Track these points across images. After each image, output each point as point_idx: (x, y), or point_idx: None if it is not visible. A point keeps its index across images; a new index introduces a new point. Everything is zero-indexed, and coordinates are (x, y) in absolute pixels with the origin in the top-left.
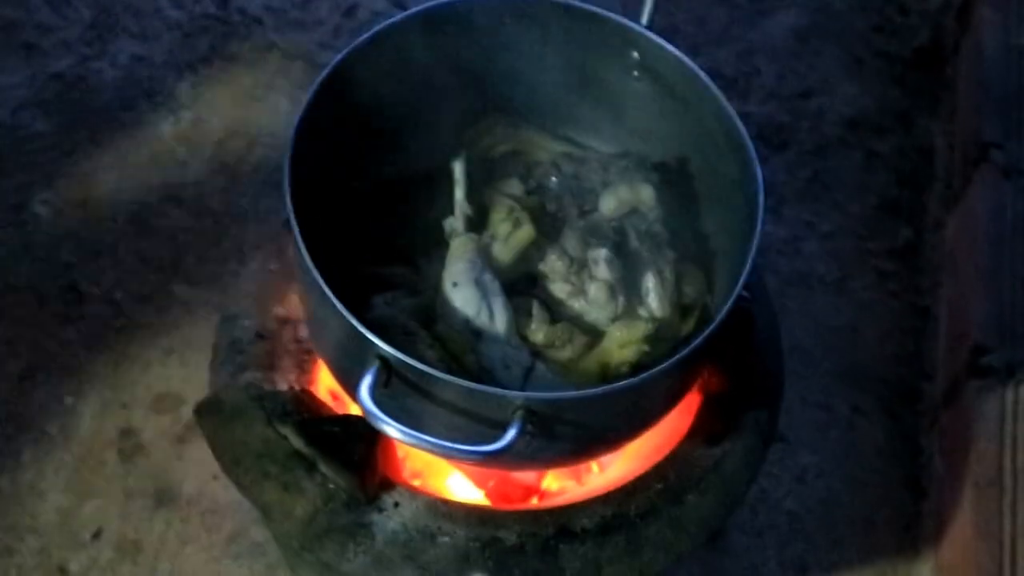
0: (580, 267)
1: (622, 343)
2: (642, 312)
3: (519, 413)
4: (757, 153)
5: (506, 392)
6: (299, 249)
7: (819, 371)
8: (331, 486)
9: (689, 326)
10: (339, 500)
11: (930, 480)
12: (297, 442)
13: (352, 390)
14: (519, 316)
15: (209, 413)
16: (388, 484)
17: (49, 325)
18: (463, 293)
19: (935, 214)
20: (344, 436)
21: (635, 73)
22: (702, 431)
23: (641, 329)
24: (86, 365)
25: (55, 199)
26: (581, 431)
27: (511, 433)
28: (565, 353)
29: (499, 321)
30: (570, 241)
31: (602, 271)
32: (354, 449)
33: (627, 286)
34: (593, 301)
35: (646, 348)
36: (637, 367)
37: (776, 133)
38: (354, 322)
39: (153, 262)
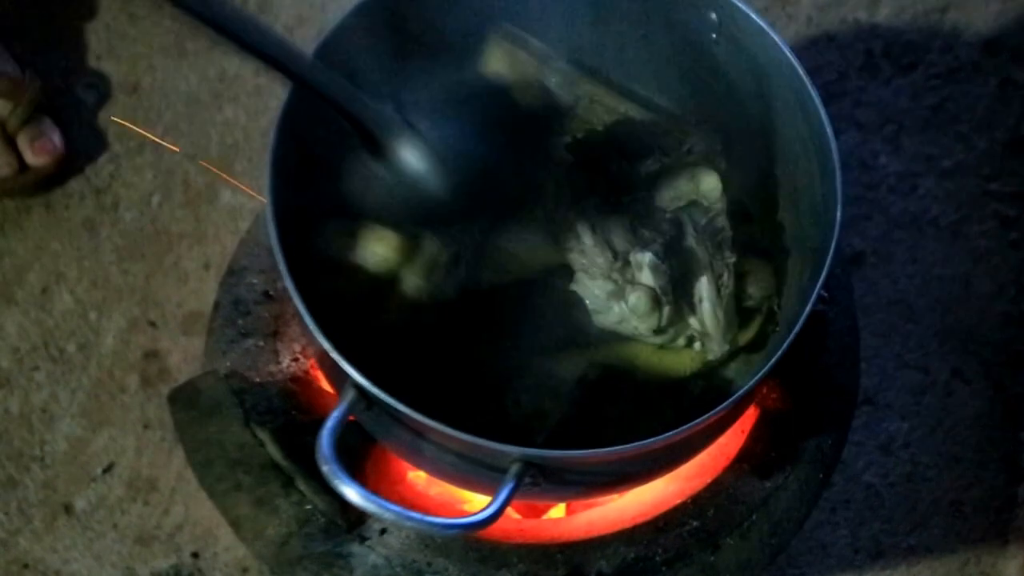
0: (625, 263)
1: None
2: (693, 323)
3: (515, 467)
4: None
5: (499, 446)
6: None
7: (920, 327)
8: (308, 507)
9: (751, 333)
10: (316, 524)
11: None
12: (275, 452)
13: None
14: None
15: (183, 403)
16: None
17: (79, 231)
18: None
19: None
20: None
21: (713, 36)
22: (753, 457)
23: (687, 361)
24: (115, 277)
25: (102, 82)
26: (597, 478)
27: (502, 495)
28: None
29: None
30: (616, 231)
31: (645, 276)
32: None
33: (676, 289)
34: (633, 310)
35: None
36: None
37: (904, 52)
38: (327, 346)
39: (198, 161)
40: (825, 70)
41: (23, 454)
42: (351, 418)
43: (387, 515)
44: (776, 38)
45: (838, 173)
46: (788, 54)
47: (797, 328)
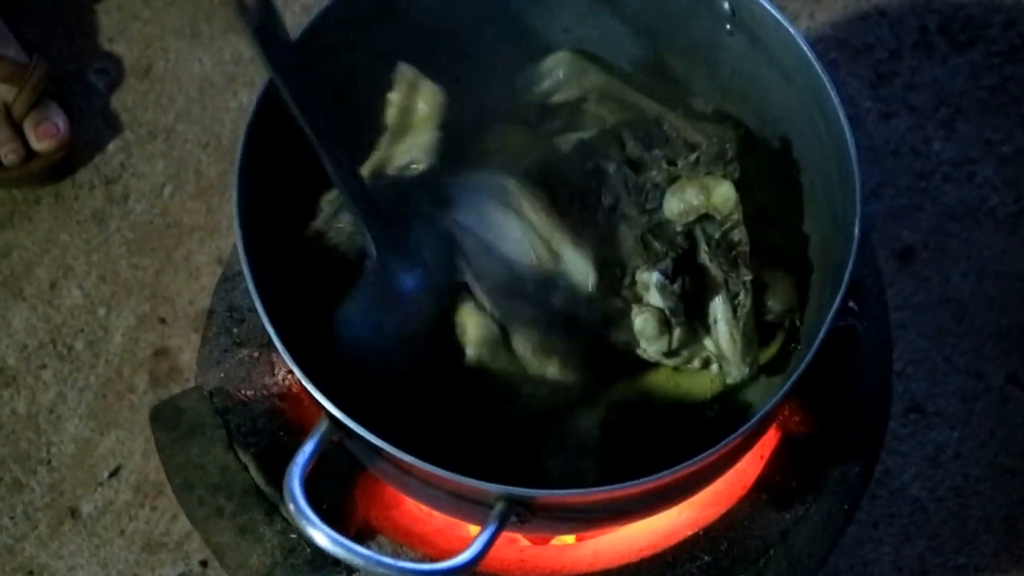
0: (633, 280)
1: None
2: (708, 344)
3: (500, 506)
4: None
5: (481, 484)
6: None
7: (973, 328)
8: (293, 535)
9: (772, 350)
10: (302, 555)
11: None
12: (258, 477)
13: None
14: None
15: (164, 423)
16: (368, 533)
17: (88, 223)
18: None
19: None
20: (314, 476)
21: (727, 27)
22: (772, 485)
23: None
24: (124, 272)
25: (113, 66)
26: (593, 514)
27: (483, 538)
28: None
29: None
30: (626, 243)
31: (653, 298)
32: (325, 494)
33: (689, 309)
34: (640, 333)
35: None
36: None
37: (962, 28)
38: (298, 371)
39: (211, 149)
40: (876, 48)
41: (30, 456)
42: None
43: (356, 561)
44: (792, 31)
45: (857, 182)
46: (806, 49)
47: (816, 346)
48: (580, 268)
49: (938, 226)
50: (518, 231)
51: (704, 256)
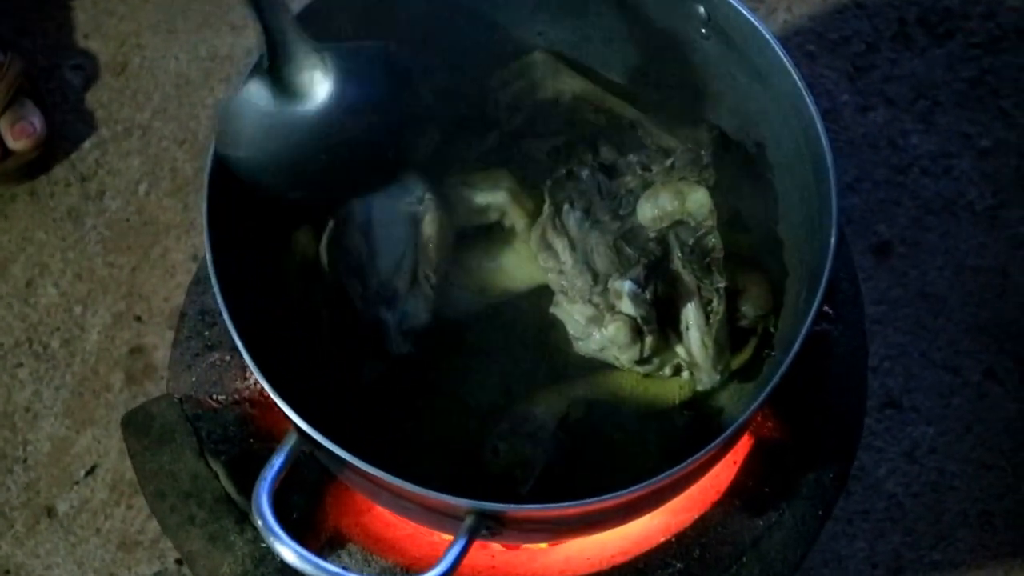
0: (605, 288)
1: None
2: (680, 351)
3: (470, 519)
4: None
5: (451, 499)
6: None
7: (951, 323)
8: (264, 544)
9: (744, 356)
10: (272, 564)
11: None
12: (228, 485)
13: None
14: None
15: (135, 430)
16: (339, 541)
17: (63, 221)
18: None
19: None
20: (284, 485)
21: (703, 31)
22: (745, 491)
23: (675, 390)
24: (100, 269)
25: (88, 63)
26: (564, 525)
27: (452, 553)
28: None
29: None
30: (599, 249)
31: (625, 306)
32: (295, 503)
33: (661, 316)
34: (612, 340)
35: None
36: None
37: (940, 20)
38: (267, 386)
39: (187, 146)
40: (853, 40)
41: (6, 455)
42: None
43: None
44: (767, 35)
45: (834, 190)
46: (780, 53)
47: (792, 356)
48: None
49: (915, 220)
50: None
51: (677, 262)
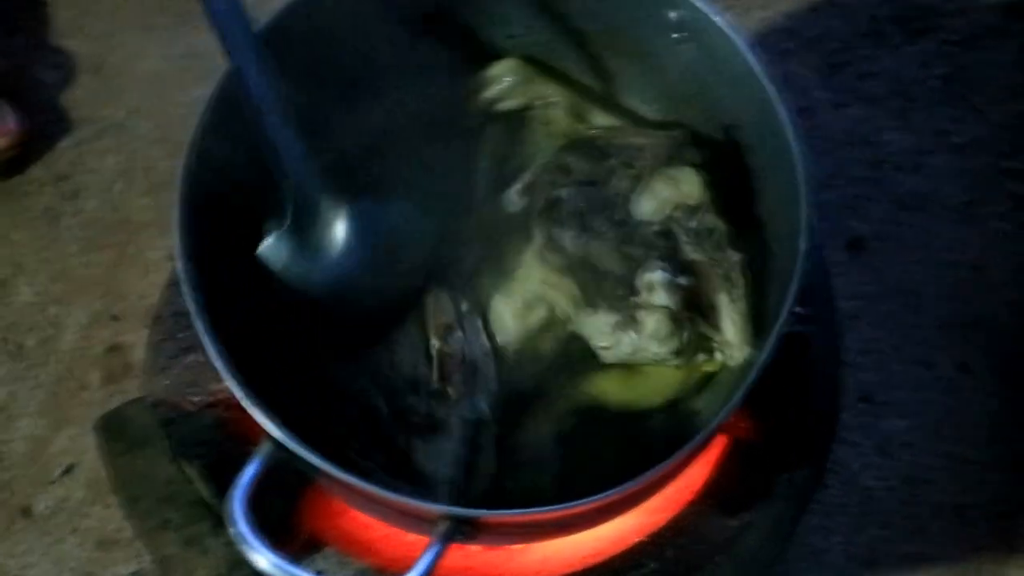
0: (628, 288)
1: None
2: (710, 333)
3: (444, 525)
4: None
5: (425, 504)
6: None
7: (925, 317)
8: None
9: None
10: (248, 568)
11: None
12: (203, 489)
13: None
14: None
15: (110, 434)
16: (315, 544)
17: (39, 220)
18: None
19: None
20: (259, 489)
21: (675, 35)
22: (719, 492)
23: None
24: (76, 269)
25: (65, 61)
26: (539, 528)
27: (427, 559)
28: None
29: None
30: (605, 257)
31: (660, 297)
32: (271, 505)
33: (691, 306)
34: (653, 336)
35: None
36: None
37: (915, 16)
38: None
39: (163, 145)
40: (827, 39)
41: None
42: None
43: None
44: (738, 40)
45: (803, 198)
46: (751, 58)
47: (764, 358)
48: None
49: (890, 216)
50: None
51: (687, 248)
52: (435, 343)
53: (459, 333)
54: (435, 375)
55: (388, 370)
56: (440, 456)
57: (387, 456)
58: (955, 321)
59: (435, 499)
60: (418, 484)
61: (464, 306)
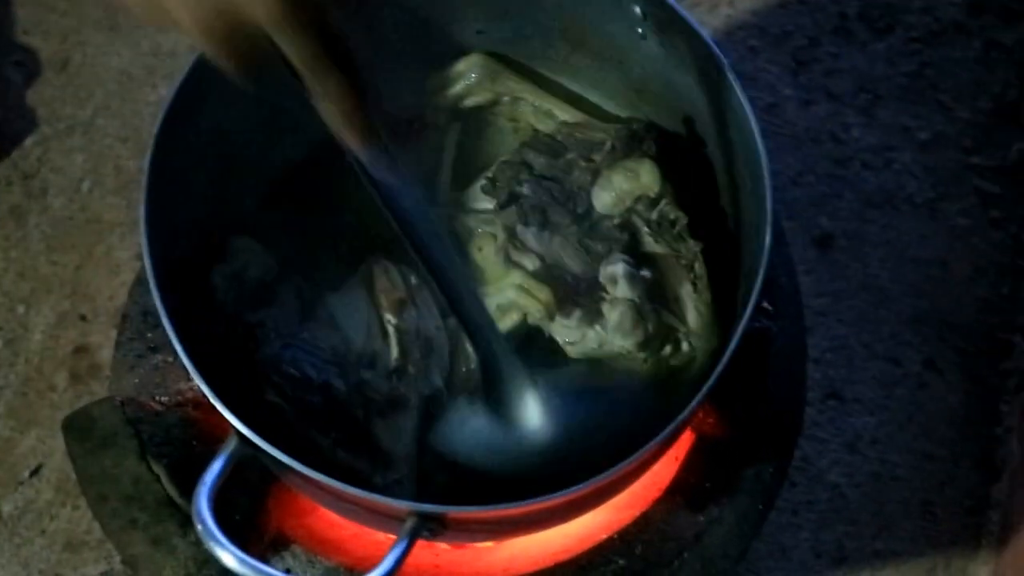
0: (590, 283)
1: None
2: (675, 323)
3: (411, 522)
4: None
5: (390, 501)
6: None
7: (892, 314)
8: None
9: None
10: (216, 566)
11: (1005, 459)
12: (171, 488)
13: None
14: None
15: (77, 433)
16: (282, 542)
17: (6, 220)
18: None
19: None
20: (225, 486)
21: (639, 30)
22: (686, 488)
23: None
24: (43, 268)
25: (29, 59)
26: (506, 525)
27: (393, 555)
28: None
29: None
30: (566, 253)
31: (622, 289)
32: (237, 504)
33: (654, 297)
34: (617, 328)
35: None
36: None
37: (881, 14)
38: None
39: (130, 143)
40: (795, 35)
41: None
42: None
43: None
44: (703, 34)
45: (768, 196)
46: (716, 52)
47: (729, 353)
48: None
49: (857, 213)
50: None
51: (648, 240)
52: (390, 319)
53: (412, 309)
54: (395, 352)
55: (341, 345)
56: (400, 432)
57: (346, 432)
58: (922, 317)
59: (397, 474)
60: (378, 460)
61: (413, 280)
